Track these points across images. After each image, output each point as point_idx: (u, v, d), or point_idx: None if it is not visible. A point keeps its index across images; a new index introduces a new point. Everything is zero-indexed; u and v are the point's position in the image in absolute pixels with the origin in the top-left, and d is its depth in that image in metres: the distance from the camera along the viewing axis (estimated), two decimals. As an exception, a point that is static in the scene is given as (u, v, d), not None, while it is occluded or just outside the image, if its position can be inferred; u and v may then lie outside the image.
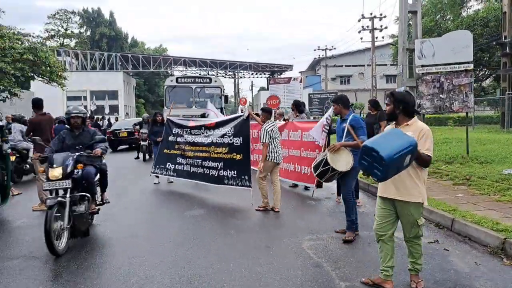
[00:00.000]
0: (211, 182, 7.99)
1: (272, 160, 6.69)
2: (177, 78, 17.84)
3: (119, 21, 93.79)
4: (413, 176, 3.61)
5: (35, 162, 7.48)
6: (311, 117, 13.01)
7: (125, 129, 18.95)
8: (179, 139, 8.98)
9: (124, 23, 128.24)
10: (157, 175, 9.61)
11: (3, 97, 25.98)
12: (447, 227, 5.72)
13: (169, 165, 9.14)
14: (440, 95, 10.53)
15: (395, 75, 27.57)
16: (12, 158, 9.51)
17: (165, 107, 16.59)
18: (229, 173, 7.54)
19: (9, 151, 7.42)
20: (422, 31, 12.57)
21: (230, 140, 7.56)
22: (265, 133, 6.63)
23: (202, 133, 8.31)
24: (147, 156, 14.90)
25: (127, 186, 9.66)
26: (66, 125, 6.47)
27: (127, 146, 19.56)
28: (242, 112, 8.19)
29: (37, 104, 7.72)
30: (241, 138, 7.40)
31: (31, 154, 10.09)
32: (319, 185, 8.03)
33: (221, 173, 7.70)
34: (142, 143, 14.66)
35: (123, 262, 4.55)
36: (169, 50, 75.00)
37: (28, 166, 10.12)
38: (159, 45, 76.10)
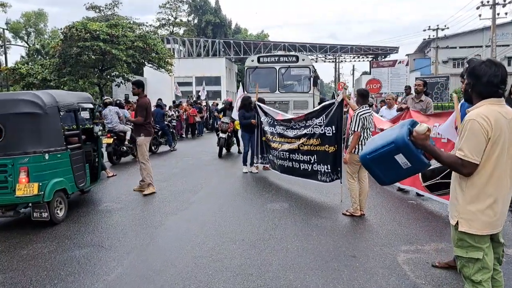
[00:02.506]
0: (303, 176, 7.25)
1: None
2: (258, 58, 15.44)
3: (225, 9, 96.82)
4: (455, 188, 2.56)
5: (143, 145, 7.19)
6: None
7: None
8: (266, 128, 8.44)
9: (229, 10, 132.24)
10: (256, 164, 9.02)
11: (118, 82, 28.28)
12: None
13: (267, 153, 8.58)
14: None
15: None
16: (110, 141, 9.95)
17: (244, 92, 13.57)
18: (323, 168, 6.74)
19: (99, 133, 7.58)
20: None
21: (322, 130, 6.69)
22: (357, 119, 5.54)
23: (292, 126, 7.54)
24: (224, 151, 11.91)
25: (212, 173, 9.45)
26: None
27: None
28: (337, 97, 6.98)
29: (142, 85, 7.33)
30: (333, 127, 6.49)
31: (128, 136, 10.47)
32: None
33: (315, 167, 6.90)
34: (221, 135, 11.55)
35: (187, 263, 4.13)
36: (271, 36, 75.30)
37: (125, 148, 10.49)
38: (261, 31, 76.84)
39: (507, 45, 40.38)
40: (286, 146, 7.56)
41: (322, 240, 4.82)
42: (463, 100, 4.14)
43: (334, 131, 6.49)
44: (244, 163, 9.33)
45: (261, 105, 8.88)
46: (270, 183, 8.17)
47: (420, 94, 7.49)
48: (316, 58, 53.98)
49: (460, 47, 48.15)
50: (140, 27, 39.37)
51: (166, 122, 13.89)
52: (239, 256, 4.31)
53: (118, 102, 11.31)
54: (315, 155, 6.87)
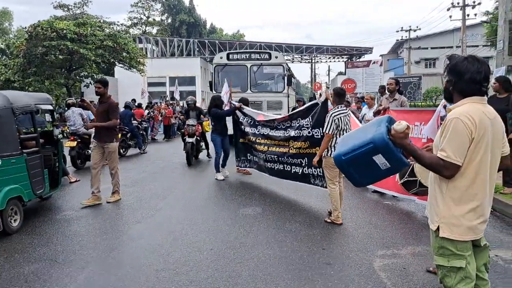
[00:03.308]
0: (294, 179, 6.90)
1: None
2: (228, 54, 14.24)
3: (200, 9, 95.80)
4: (435, 190, 2.38)
5: (116, 151, 6.67)
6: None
7: None
8: (248, 129, 8.08)
9: (204, 10, 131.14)
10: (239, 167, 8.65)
11: (87, 83, 27.37)
12: None
13: (249, 156, 8.22)
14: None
15: (488, 57, 24.25)
16: (73, 144, 9.43)
17: (213, 91, 13.13)
18: (315, 171, 6.35)
19: (60, 136, 7.10)
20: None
21: (309, 132, 6.35)
22: (330, 120, 5.24)
23: (276, 126, 7.20)
24: (193, 159, 10.59)
25: (183, 176, 9.10)
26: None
27: None
28: (319, 97, 6.62)
29: (108, 84, 6.79)
30: (321, 129, 5.96)
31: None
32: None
33: (305, 170, 6.55)
34: (188, 139, 10.33)
35: (149, 277, 3.79)
36: (248, 36, 74.92)
37: (90, 151, 9.95)
38: (236, 31, 76.37)
39: (476, 46, 41.37)
40: (274, 149, 7.24)
41: (295, 247, 4.58)
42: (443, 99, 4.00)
43: (322, 133, 5.96)
44: (217, 169, 8.59)
45: (236, 103, 8.53)
46: (243, 186, 7.88)
47: (393, 93, 7.43)
48: (293, 59, 54.01)
49: (432, 48, 49.21)
50: (111, 26, 38.36)
51: (135, 124, 13.39)
52: (206, 267, 4.01)
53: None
54: (306, 158, 6.52)
